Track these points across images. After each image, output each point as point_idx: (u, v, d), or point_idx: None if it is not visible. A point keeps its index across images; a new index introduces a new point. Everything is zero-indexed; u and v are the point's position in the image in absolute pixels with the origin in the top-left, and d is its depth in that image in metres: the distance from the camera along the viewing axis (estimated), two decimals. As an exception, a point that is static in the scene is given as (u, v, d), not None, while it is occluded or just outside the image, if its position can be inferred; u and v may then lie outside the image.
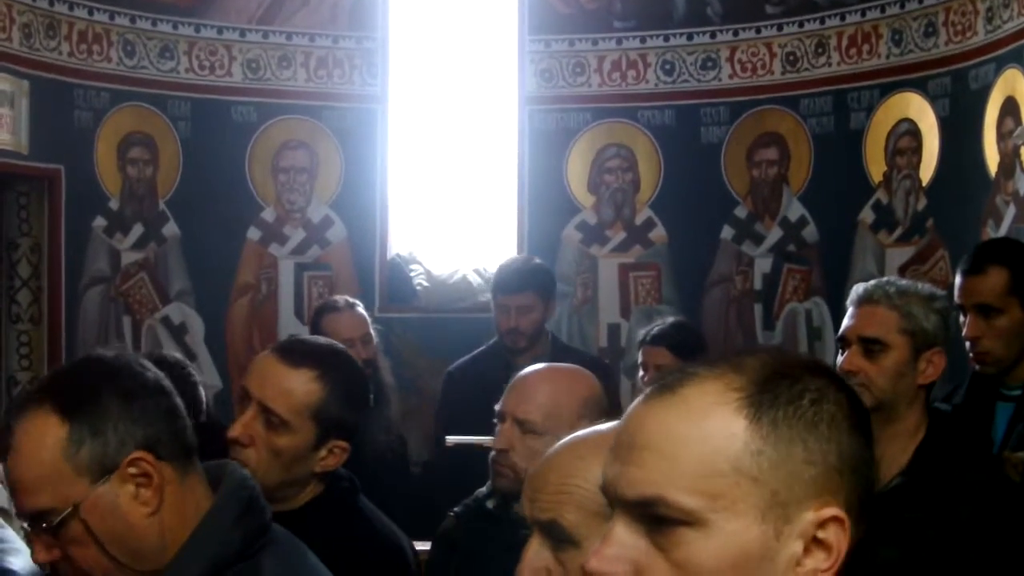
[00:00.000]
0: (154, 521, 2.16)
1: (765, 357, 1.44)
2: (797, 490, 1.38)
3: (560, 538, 1.86)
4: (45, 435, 2.13)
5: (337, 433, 2.94)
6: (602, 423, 3.22)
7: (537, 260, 6.10)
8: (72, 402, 2.15)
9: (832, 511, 1.39)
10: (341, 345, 3.28)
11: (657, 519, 1.38)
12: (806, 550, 1.39)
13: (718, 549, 1.36)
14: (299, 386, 2.91)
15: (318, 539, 2.55)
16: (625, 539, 1.40)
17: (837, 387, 1.44)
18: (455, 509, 3.42)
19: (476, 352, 5.88)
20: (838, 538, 1.39)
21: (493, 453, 3.21)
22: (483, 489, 3.36)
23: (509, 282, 5.64)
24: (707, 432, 1.38)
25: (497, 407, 3.24)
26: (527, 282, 5.62)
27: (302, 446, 2.91)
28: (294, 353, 3.00)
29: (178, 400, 2.26)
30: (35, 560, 2.20)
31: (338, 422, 2.94)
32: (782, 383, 1.41)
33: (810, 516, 1.38)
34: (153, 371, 2.26)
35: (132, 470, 2.14)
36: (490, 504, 3.31)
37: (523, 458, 3.08)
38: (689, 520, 1.37)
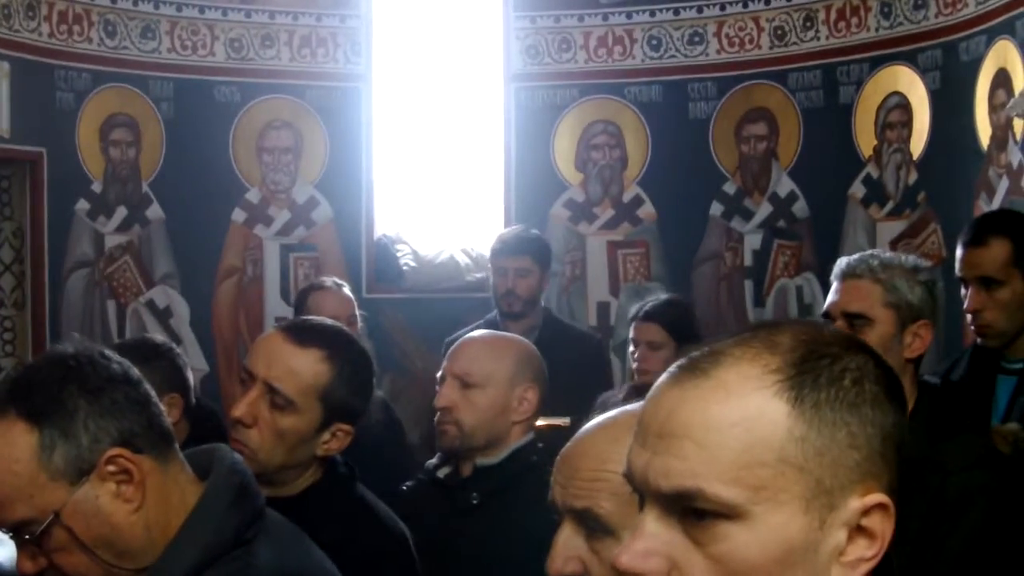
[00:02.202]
0: (139, 517, 2.09)
1: (798, 334, 1.36)
2: (841, 477, 1.30)
3: (594, 527, 1.79)
4: (14, 445, 2.04)
5: (342, 416, 2.88)
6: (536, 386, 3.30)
7: (535, 231, 6.27)
8: (37, 406, 2.05)
9: (877, 498, 1.32)
10: (346, 328, 3.24)
11: (694, 512, 1.31)
12: (849, 538, 1.32)
13: (760, 543, 1.29)
14: (307, 366, 2.85)
15: (318, 526, 2.50)
16: (658, 532, 1.33)
17: (876, 363, 1.37)
18: (408, 483, 3.48)
19: (472, 325, 5.85)
20: (883, 525, 1.32)
21: (437, 414, 3.35)
22: (433, 460, 3.47)
23: (508, 244, 5.84)
24: (748, 419, 1.30)
25: (439, 373, 3.41)
26: (526, 246, 5.83)
27: (306, 428, 2.85)
28: (302, 333, 2.93)
29: (148, 388, 2.16)
30: (21, 571, 2.11)
31: (344, 405, 2.88)
32: (821, 362, 1.33)
33: (855, 504, 1.31)
34: (118, 361, 2.15)
35: (110, 468, 2.06)
36: (441, 474, 3.41)
37: (466, 413, 3.30)
38: (729, 513, 1.29)
